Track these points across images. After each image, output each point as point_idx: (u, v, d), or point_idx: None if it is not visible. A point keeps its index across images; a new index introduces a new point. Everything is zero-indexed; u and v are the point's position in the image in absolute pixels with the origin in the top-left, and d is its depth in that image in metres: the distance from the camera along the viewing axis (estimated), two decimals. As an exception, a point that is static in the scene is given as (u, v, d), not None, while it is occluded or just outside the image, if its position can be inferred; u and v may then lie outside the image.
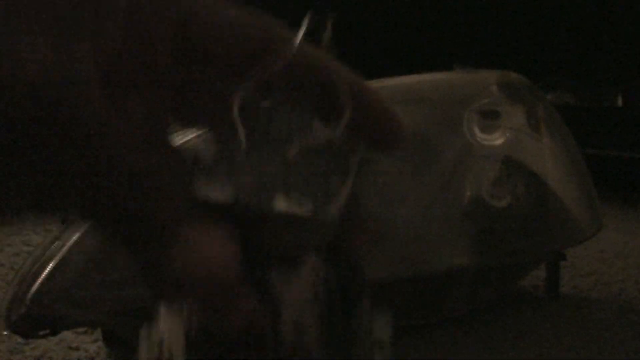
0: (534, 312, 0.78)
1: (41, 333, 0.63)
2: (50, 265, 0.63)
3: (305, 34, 0.29)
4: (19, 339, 0.71)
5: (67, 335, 0.75)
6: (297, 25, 0.30)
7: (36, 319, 0.62)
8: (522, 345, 0.72)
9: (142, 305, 0.39)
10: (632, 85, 1.46)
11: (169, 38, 0.28)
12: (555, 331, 0.74)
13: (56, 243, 0.64)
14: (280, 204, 0.29)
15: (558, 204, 0.76)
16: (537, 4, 1.71)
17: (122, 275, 0.62)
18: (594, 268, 0.88)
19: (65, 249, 0.63)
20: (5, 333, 0.66)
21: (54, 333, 0.64)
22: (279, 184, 0.30)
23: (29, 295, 0.62)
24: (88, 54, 0.26)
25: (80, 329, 0.76)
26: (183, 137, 0.64)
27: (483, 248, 0.72)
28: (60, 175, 0.27)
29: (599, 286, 0.84)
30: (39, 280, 0.63)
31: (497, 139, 0.74)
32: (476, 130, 0.74)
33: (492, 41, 1.73)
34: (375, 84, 0.76)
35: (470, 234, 0.72)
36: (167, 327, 0.29)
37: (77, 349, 0.74)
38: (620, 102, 1.44)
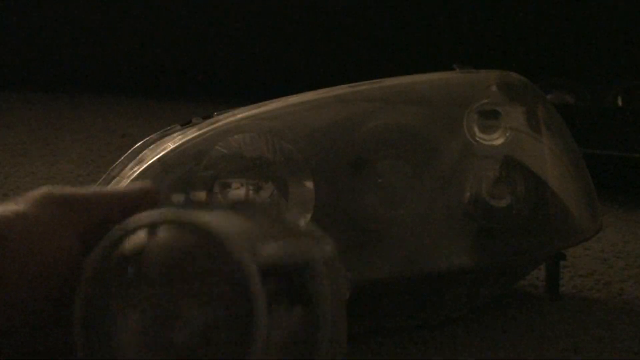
0: (534, 312, 0.78)
1: None
2: None
3: None
4: None
5: None
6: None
7: None
8: (522, 345, 0.72)
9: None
10: (632, 85, 1.46)
11: None
12: (555, 331, 0.74)
13: None
14: None
15: (558, 204, 0.76)
16: (537, 4, 1.71)
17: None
18: (594, 268, 0.88)
19: None
20: None
21: None
22: None
23: None
24: None
25: None
26: (183, 137, 0.64)
27: (483, 248, 0.72)
28: None
29: (599, 286, 0.84)
30: None
31: (497, 139, 0.74)
32: (476, 130, 0.74)
33: (492, 41, 1.73)
34: (376, 84, 0.76)
35: (470, 234, 0.72)
36: None
37: None
38: (620, 102, 1.44)
